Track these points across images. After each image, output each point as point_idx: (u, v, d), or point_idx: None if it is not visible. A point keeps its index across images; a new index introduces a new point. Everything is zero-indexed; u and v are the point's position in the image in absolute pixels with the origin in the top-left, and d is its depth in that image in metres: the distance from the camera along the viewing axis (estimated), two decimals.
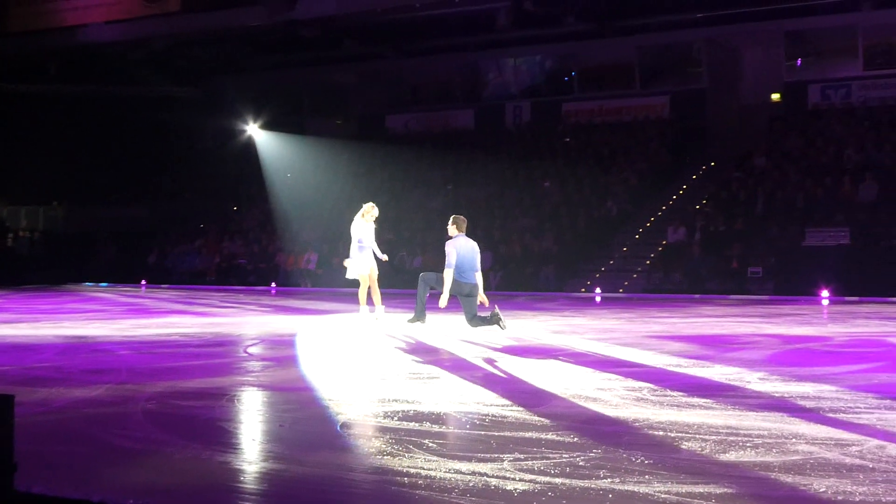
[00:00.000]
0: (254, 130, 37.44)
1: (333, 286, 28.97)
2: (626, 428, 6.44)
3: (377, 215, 15.51)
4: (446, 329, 13.66)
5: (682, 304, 20.74)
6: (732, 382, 8.41)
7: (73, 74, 37.46)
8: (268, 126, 37.46)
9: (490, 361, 10.07)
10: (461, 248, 13.12)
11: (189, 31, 34.22)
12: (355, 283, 15.81)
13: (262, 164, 36.79)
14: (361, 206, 15.57)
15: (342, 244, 30.81)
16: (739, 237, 25.54)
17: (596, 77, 36.84)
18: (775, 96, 33.77)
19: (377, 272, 15.48)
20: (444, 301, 13.14)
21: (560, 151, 33.80)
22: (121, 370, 9.39)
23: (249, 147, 37.64)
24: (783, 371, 9.13)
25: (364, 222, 15.29)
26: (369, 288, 15.42)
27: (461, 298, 13.09)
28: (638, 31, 34.83)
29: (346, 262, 15.37)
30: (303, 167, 36.47)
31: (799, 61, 33.67)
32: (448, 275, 13.01)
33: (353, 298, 23.30)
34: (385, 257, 15.39)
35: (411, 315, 13.99)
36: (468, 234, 13.54)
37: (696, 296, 23.75)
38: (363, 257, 15.19)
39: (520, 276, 27.14)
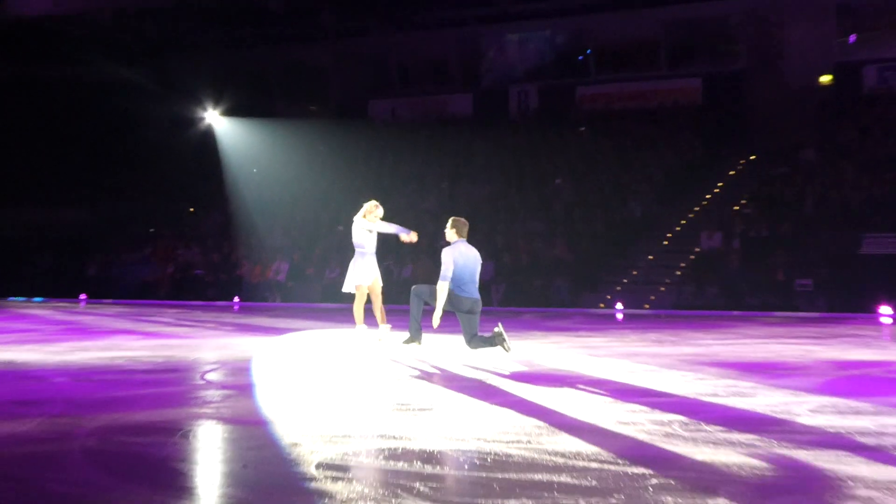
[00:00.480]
0: (213, 118, 37.41)
1: (307, 300, 28.94)
2: (653, 469, 6.40)
3: (381, 215, 15.32)
4: (442, 352, 13.62)
5: (717, 323, 20.71)
6: (778, 415, 8.38)
7: None
8: (230, 113, 37.44)
9: (492, 390, 10.03)
10: (461, 257, 13.09)
11: (136, 2, 34.23)
12: (349, 298, 15.64)
13: (223, 157, 36.77)
14: (365, 205, 15.34)
15: (318, 251, 30.88)
16: (785, 244, 25.56)
17: (615, 56, 36.91)
18: (825, 79, 33.84)
19: (381, 283, 15.29)
20: (437, 319, 13.11)
21: (574, 143, 33.83)
22: (55, 401, 9.33)
23: (208, 138, 37.61)
24: (838, 402, 9.10)
25: (365, 224, 15.13)
26: (369, 302, 15.24)
27: (460, 316, 13.06)
28: (665, 1, 34.90)
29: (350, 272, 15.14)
30: (271, 161, 36.48)
31: (853, 38, 33.74)
32: (442, 288, 12.98)
33: (330, 315, 23.32)
34: (413, 236, 14.99)
35: (406, 335, 13.93)
36: (468, 241, 13.52)
37: (735, 313, 23.74)
38: (365, 265, 15.02)
39: (527, 290, 27.13)
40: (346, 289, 15.15)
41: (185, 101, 37.61)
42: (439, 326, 13.68)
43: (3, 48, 37.34)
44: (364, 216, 15.22)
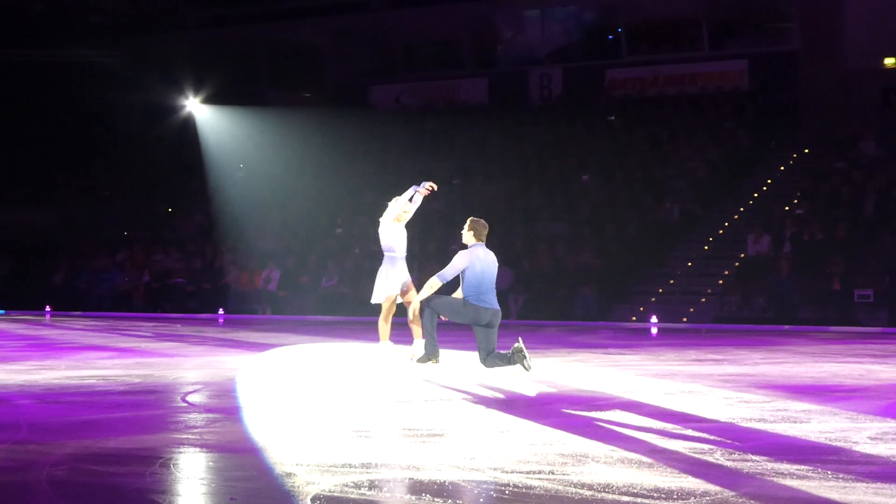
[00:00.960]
0: (194, 106, 37.48)
1: (301, 312, 28.99)
2: (691, 503, 6.44)
3: (411, 212, 14.97)
4: (454, 370, 13.66)
5: (765, 339, 20.70)
6: (834, 443, 8.40)
7: None
8: (212, 100, 37.50)
9: (510, 414, 10.07)
10: (479, 262, 13.13)
11: None
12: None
13: (204, 151, 36.83)
14: (387, 206, 14.98)
15: (314, 257, 30.93)
16: (842, 249, 25.52)
17: (650, 35, 36.93)
18: (889, 61, 33.78)
19: (415, 292, 14.55)
20: (414, 300, 13.52)
21: (603, 134, 33.84)
22: (20, 426, 9.39)
23: (188, 129, 37.67)
24: None
25: (394, 226, 14.83)
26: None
27: (478, 330, 13.07)
28: None
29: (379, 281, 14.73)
30: (259, 155, 36.54)
31: None
32: (432, 285, 13.14)
33: (327, 329, 23.36)
34: (428, 185, 14.71)
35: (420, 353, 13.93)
36: (486, 245, 13.57)
37: (785, 327, 23.73)
38: (396, 273, 14.54)
39: (550, 301, 27.15)
40: (375, 300, 14.67)
41: (162, 88, 37.68)
42: (452, 342, 13.67)
43: None
44: (396, 219, 14.82)
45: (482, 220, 13.53)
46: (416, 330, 14.39)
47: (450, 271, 13.29)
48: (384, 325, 14.55)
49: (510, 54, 39.11)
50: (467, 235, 13.43)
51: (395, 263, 14.58)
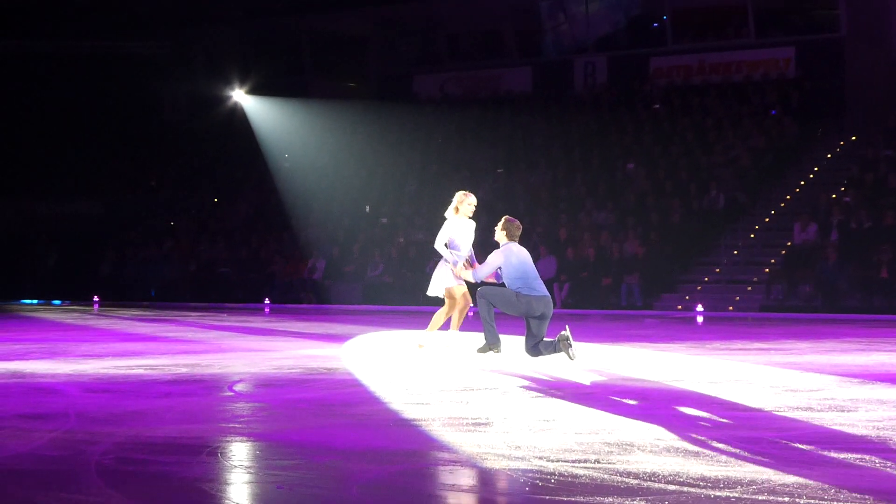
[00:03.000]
0: (240, 97, 37.64)
1: (346, 301, 29.09)
2: (738, 493, 6.41)
3: (474, 205, 14.59)
4: (498, 359, 13.66)
5: (812, 328, 20.59)
6: (882, 432, 8.35)
7: None
8: (257, 91, 37.65)
9: (555, 403, 10.06)
10: (514, 256, 13.08)
11: None
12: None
13: (250, 141, 36.98)
14: (454, 197, 14.74)
15: (358, 247, 31.01)
16: (890, 237, 25.33)
17: (695, 23, 36.73)
18: None
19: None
20: (462, 271, 13.64)
21: (648, 122, 33.72)
22: (68, 415, 9.47)
23: (234, 119, 37.84)
24: None
25: (458, 219, 14.65)
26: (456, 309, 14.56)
27: (531, 321, 13.02)
28: None
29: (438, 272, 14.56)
30: (304, 146, 36.65)
31: None
32: (466, 275, 13.42)
33: (373, 319, 23.42)
34: (457, 269, 14.42)
35: (481, 343, 13.87)
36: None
37: (832, 315, 23.58)
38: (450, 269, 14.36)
39: (594, 290, 27.11)
40: (431, 292, 14.59)
41: (208, 78, 37.85)
42: (502, 332, 13.58)
43: (1, 19, 37.68)
44: (455, 210, 14.68)
45: (516, 222, 13.45)
46: (459, 324, 14.44)
47: (484, 269, 13.28)
48: (440, 318, 14.43)
49: (554, 43, 39.00)
50: (500, 234, 13.37)
51: (458, 258, 14.28)
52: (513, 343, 14.21)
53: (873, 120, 31.59)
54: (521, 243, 13.42)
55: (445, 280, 14.38)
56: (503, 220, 13.45)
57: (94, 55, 39.46)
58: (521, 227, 13.47)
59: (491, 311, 13.38)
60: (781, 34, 35.27)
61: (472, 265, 14.09)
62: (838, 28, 34.25)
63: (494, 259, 13.18)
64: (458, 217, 14.46)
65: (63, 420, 9.16)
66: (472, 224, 14.63)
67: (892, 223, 25.79)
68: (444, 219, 14.54)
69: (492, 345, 13.51)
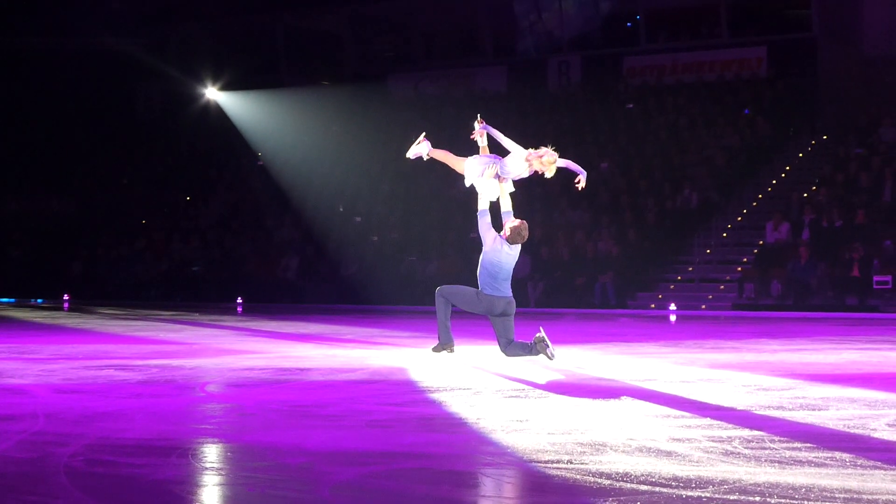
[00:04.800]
0: (212, 94, 37.54)
1: (320, 301, 29.03)
2: (710, 492, 6.42)
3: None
4: (473, 360, 13.65)
5: (784, 326, 20.66)
6: (852, 430, 8.38)
7: None
8: (231, 88, 37.56)
9: (529, 403, 10.06)
10: (500, 253, 13.06)
11: None
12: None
13: (224, 139, 36.90)
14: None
15: (332, 245, 30.97)
16: (861, 236, 25.46)
17: (669, 22, 36.83)
18: None
19: None
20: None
21: (621, 121, 33.79)
22: (37, 416, 9.41)
23: (207, 117, 37.74)
24: None
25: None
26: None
27: (493, 319, 13.06)
28: None
29: None
30: (278, 144, 36.58)
31: None
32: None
33: (346, 318, 23.39)
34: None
35: (434, 342, 13.92)
36: None
37: (804, 314, 23.68)
38: None
39: (568, 289, 27.15)
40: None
41: (182, 77, 37.74)
42: (467, 333, 13.60)
43: None
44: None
45: (526, 231, 13.31)
46: None
47: (483, 222, 13.27)
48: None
49: (530, 43, 39.03)
50: (507, 228, 13.28)
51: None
52: (481, 348, 14.20)
53: (845, 119, 31.75)
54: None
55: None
56: (519, 223, 13.31)
57: (67, 52, 39.31)
58: (526, 237, 13.36)
59: (448, 310, 13.38)
60: (754, 34, 35.39)
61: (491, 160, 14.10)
62: (810, 28, 34.39)
63: (489, 234, 13.16)
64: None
65: (31, 421, 9.11)
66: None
67: (864, 222, 25.93)
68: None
69: (445, 344, 13.53)
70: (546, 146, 13.71)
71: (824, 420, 8.89)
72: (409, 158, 14.39)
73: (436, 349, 13.67)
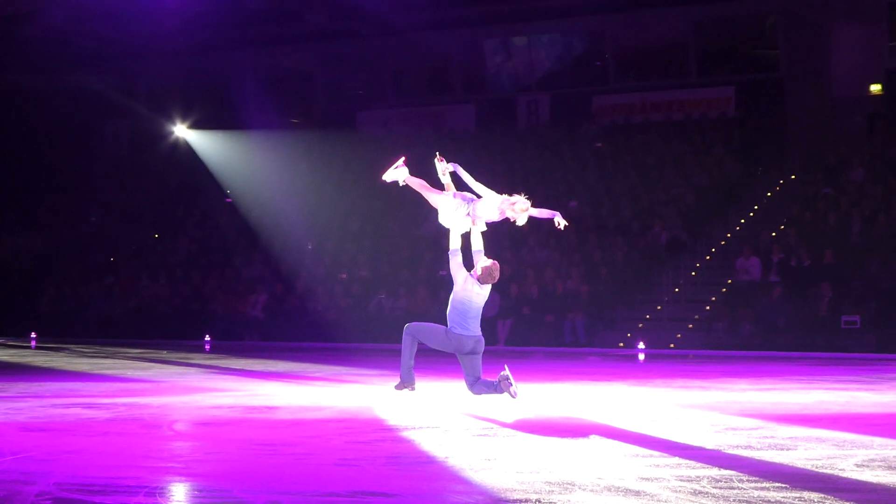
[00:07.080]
0: (181, 132, 37.50)
1: (288, 339, 28.94)
2: None
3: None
4: (438, 398, 13.65)
5: (753, 365, 20.73)
6: (821, 470, 8.42)
7: None
8: (200, 126, 37.52)
9: (496, 442, 10.06)
10: (470, 292, 13.05)
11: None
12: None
13: (192, 176, 36.83)
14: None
15: (301, 283, 30.90)
16: (829, 275, 25.57)
17: (638, 62, 37.01)
18: (875, 88, 33.93)
19: None
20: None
21: (590, 160, 33.90)
22: (3, 454, 9.36)
23: (176, 154, 37.68)
24: (888, 455, 9.13)
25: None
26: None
27: (462, 358, 13.05)
28: None
29: None
30: (247, 181, 36.50)
31: None
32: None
33: (315, 356, 23.33)
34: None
35: (396, 380, 13.91)
36: None
37: (773, 353, 23.74)
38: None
39: (537, 327, 27.15)
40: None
41: (150, 113, 37.69)
42: (434, 371, 13.60)
43: None
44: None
45: (498, 273, 13.35)
46: None
47: (454, 262, 13.27)
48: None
49: (498, 81, 39.16)
50: (478, 269, 13.27)
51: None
52: (446, 386, 14.19)
53: (813, 159, 31.95)
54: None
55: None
56: (492, 263, 13.34)
57: (35, 89, 39.20)
58: (497, 278, 13.36)
59: (413, 349, 13.32)
60: (722, 74, 35.56)
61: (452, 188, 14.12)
62: (778, 68, 34.63)
63: (460, 273, 13.14)
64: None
65: None
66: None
67: (832, 261, 26.05)
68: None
69: (406, 383, 13.47)
70: (520, 194, 13.64)
71: (793, 460, 8.92)
72: (384, 181, 14.43)
73: (398, 387, 13.64)
